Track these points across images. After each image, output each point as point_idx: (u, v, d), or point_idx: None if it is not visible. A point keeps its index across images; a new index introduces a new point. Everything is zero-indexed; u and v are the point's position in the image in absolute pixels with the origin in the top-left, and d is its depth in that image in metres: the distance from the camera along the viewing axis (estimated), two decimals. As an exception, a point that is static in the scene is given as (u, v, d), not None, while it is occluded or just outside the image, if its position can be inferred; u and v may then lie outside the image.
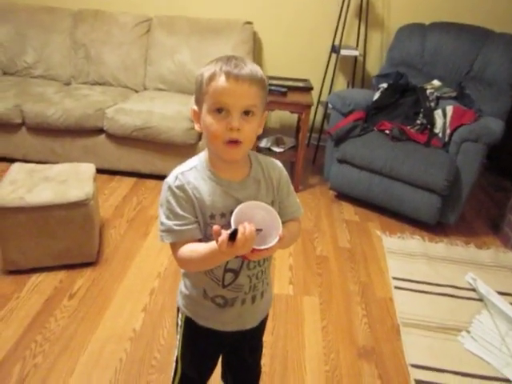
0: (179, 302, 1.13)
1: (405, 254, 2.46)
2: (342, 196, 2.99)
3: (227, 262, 0.98)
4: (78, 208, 2.02)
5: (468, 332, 1.93)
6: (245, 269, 1.00)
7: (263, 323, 1.19)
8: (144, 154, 2.96)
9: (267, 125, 3.76)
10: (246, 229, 0.81)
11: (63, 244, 2.05)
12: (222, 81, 0.87)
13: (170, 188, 0.94)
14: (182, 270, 1.08)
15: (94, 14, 3.37)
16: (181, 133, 2.82)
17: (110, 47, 3.34)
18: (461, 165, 2.53)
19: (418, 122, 2.79)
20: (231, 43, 3.27)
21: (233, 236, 0.81)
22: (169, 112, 2.88)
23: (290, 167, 3.25)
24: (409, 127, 2.78)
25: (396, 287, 2.18)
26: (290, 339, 1.83)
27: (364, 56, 3.44)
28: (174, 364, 1.22)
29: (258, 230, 0.84)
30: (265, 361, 1.71)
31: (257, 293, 1.06)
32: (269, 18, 3.47)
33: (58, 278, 2.05)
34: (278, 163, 1.06)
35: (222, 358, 1.27)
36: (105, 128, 2.90)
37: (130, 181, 3.00)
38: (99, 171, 2.73)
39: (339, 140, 2.80)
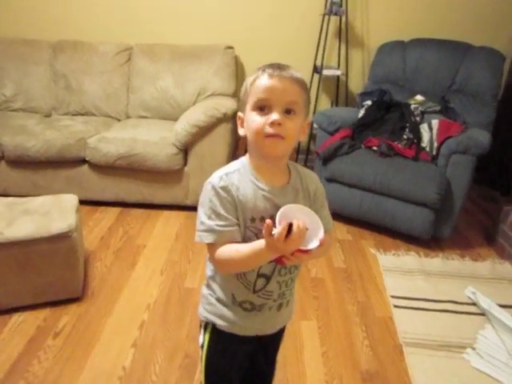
0: (201, 310, 1.11)
1: (401, 271, 2.40)
2: (334, 215, 2.90)
3: (260, 267, 0.98)
4: (61, 241, 1.93)
5: (473, 349, 1.86)
6: (276, 275, 1.01)
7: (281, 333, 1.20)
8: (129, 183, 2.88)
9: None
10: (299, 224, 0.83)
11: (46, 279, 1.95)
12: (264, 79, 0.91)
13: (213, 188, 0.94)
14: (209, 273, 1.07)
15: (74, 45, 3.34)
16: (166, 159, 2.76)
17: (90, 77, 3.30)
18: (451, 177, 2.51)
19: (405, 136, 2.78)
20: (213, 67, 3.26)
21: (288, 230, 0.82)
22: (153, 138, 2.83)
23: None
24: (396, 142, 2.76)
25: (395, 306, 2.11)
26: (289, 367, 1.74)
27: (346, 75, 3.45)
28: None
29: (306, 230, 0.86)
30: (264, 392, 1.61)
31: (283, 301, 1.06)
32: (249, 41, 3.48)
33: (42, 317, 1.94)
34: (315, 176, 1.08)
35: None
36: (87, 158, 2.83)
37: (115, 211, 2.91)
38: (83, 202, 2.66)
39: (327, 159, 2.76)
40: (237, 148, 3.03)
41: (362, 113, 2.95)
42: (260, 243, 0.88)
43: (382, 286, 2.27)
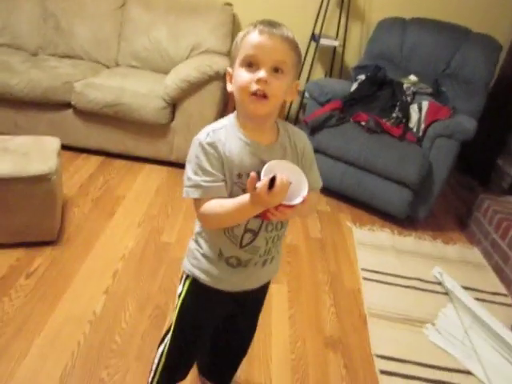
0: (186, 263, 1.12)
1: (374, 246, 2.46)
2: (315, 186, 2.96)
3: (247, 222, 0.99)
4: (40, 183, 1.91)
5: (433, 324, 1.94)
6: (263, 231, 1.01)
7: (265, 289, 1.21)
8: (113, 133, 2.84)
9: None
10: (282, 178, 0.84)
11: (22, 220, 1.94)
12: (255, 35, 0.90)
13: (200, 144, 0.94)
14: (197, 229, 1.08)
15: (67, -17, 3.20)
16: (153, 111, 2.72)
17: (81, 19, 3.18)
18: (434, 160, 2.55)
19: (394, 115, 2.79)
20: (210, 24, 3.18)
21: (271, 183, 0.83)
22: (141, 89, 2.77)
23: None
24: (384, 120, 2.77)
25: (364, 278, 2.18)
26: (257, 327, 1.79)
27: (343, 47, 3.42)
28: (162, 344, 1.21)
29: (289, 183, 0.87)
30: (230, 348, 1.67)
31: (268, 257, 1.07)
32: (249, 0, 3.38)
33: (15, 256, 1.93)
34: (304, 135, 1.08)
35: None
36: (73, 102, 2.76)
37: (97, 159, 2.88)
38: (65, 148, 2.62)
39: (315, 129, 2.76)
40: (226, 109, 3.00)
41: (354, 86, 2.93)
42: (244, 197, 0.89)
43: (354, 259, 2.33)
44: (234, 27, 3.35)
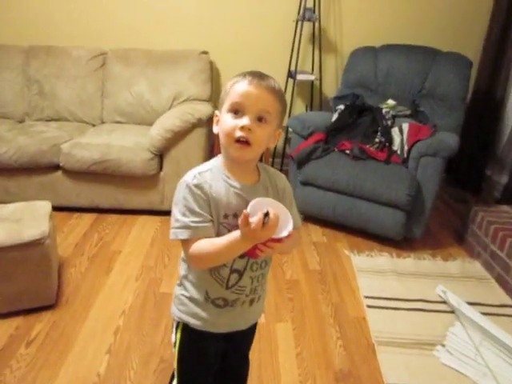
0: (174, 310, 1.13)
1: (374, 271, 2.45)
2: (309, 218, 2.97)
3: (233, 262, 1.01)
4: (34, 248, 1.91)
5: (443, 346, 1.91)
6: (248, 270, 1.04)
7: (253, 329, 1.22)
8: (104, 189, 2.87)
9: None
10: (273, 212, 0.88)
11: (19, 287, 1.93)
12: (243, 84, 0.96)
13: (187, 186, 0.98)
14: (183, 273, 1.10)
15: (47, 50, 3.31)
16: (141, 164, 2.76)
17: (64, 82, 3.27)
18: (421, 179, 2.58)
19: (377, 140, 2.84)
20: (188, 72, 3.28)
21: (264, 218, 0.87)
22: (128, 143, 2.83)
23: (255, 192, 3.23)
24: (368, 146, 2.82)
25: (368, 306, 2.16)
26: (264, 369, 1.76)
27: (320, 80, 3.51)
28: None
29: None
30: (239, 394, 1.63)
31: (255, 296, 1.10)
32: (224, 47, 3.50)
33: (14, 325, 1.91)
34: (283, 175, 1.13)
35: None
36: (61, 164, 2.80)
37: (90, 217, 2.89)
38: (57, 209, 2.64)
39: (301, 162, 2.80)
40: (212, 152, 3.04)
41: (335, 117, 3.00)
42: (235, 234, 0.93)
43: (356, 287, 2.31)
44: (213, 73, 3.45)
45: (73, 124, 3.23)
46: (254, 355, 1.79)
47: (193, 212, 0.96)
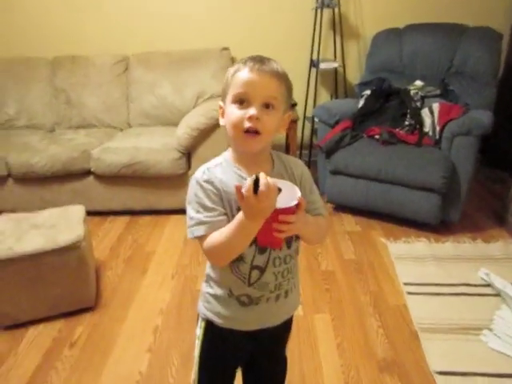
0: (200, 306, 1.11)
1: (412, 258, 2.38)
2: (341, 208, 2.93)
3: (253, 258, 0.98)
4: (70, 252, 1.95)
5: (490, 330, 1.83)
6: (271, 266, 1.00)
7: (286, 328, 1.17)
8: (135, 191, 2.90)
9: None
10: (266, 179, 0.81)
11: (58, 291, 1.97)
12: (245, 72, 0.92)
13: (198, 182, 0.96)
14: (207, 271, 1.07)
15: (71, 60, 3.38)
16: (169, 164, 2.77)
17: (90, 89, 3.33)
18: (455, 160, 2.49)
19: (407, 123, 2.76)
20: (210, 70, 3.27)
21: (256, 186, 0.80)
22: (155, 145, 2.85)
23: (285, 186, 3.20)
24: (398, 129, 2.75)
25: (408, 293, 2.09)
26: (305, 361, 1.74)
27: (343, 66, 3.44)
28: None
29: (279, 189, 0.84)
30: (281, 388, 1.61)
31: (281, 291, 1.05)
32: (244, 41, 3.48)
33: (57, 328, 1.96)
34: (300, 162, 1.08)
35: (242, 375, 1.23)
36: (92, 169, 2.85)
37: (123, 220, 2.93)
38: (91, 214, 2.68)
39: (330, 151, 2.75)
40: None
41: (361, 103, 2.93)
42: (239, 216, 0.87)
43: (394, 275, 2.25)
44: (234, 69, 3.43)
45: (101, 130, 3.28)
46: (293, 348, 1.79)
47: (206, 208, 0.94)
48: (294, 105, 3.10)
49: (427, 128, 2.72)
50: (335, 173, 2.78)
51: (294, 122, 2.85)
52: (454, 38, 3.05)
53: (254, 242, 0.94)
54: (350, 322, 1.94)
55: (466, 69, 2.97)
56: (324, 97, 3.60)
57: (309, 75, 3.44)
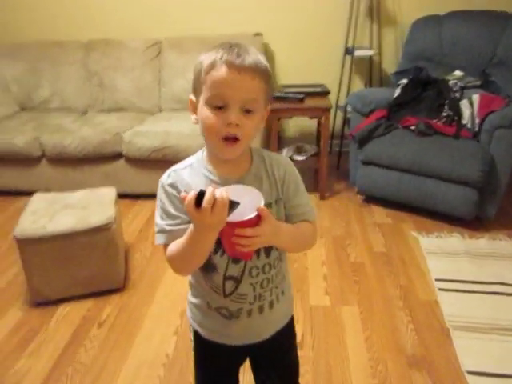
0: (187, 312, 1.06)
1: (445, 253, 2.31)
2: (371, 199, 2.86)
3: (226, 269, 0.91)
4: (101, 233, 1.97)
5: (526, 331, 1.77)
6: (247, 276, 0.92)
7: (282, 336, 1.05)
8: (164, 175, 2.91)
9: (286, 134, 3.69)
10: (216, 191, 0.73)
11: (89, 271, 2.00)
12: (222, 71, 0.80)
13: (162, 186, 0.90)
14: (189, 277, 1.01)
15: (104, 43, 3.40)
16: (199, 149, 2.76)
17: (122, 73, 3.35)
18: (495, 153, 2.39)
19: (444, 114, 2.66)
20: (242, 56, 3.23)
21: (201, 199, 0.72)
22: (185, 130, 2.84)
23: (314, 174, 3.16)
24: (435, 120, 2.66)
25: (440, 289, 2.04)
26: (332, 353, 1.71)
27: (379, 54, 3.35)
28: None
29: (236, 203, 0.75)
30: (308, 378, 1.60)
31: (264, 302, 0.97)
32: (278, 27, 3.42)
33: (86, 307, 1.99)
34: (285, 160, 0.98)
35: (254, 377, 1.17)
36: (123, 152, 2.88)
37: (152, 203, 2.91)
38: (121, 196, 2.70)
39: (363, 141, 2.69)
40: (270, 134, 2.99)
41: (397, 92, 2.84)
42: (191, 227, 0.80)
43: (426, 269, 2.19)
44: (267, 55, 3.39)
45: (132, 113, 3.30)
46: (320, 340, 1.78)
47: (169, 215, 0.88)
48: (327, 92, 3.03)
49: (465, 120, 2.61)
50: (367, 163, 2.72)
51: (326, 110, 2.79)
52: (497, 26, 2.91)
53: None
54: (379, 315, 1.90)
55: (510, 60, 2.83)
56: (358, 85, 3.51)
57: (343, 63, 3.36)
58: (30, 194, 2.88)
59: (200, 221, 0.75)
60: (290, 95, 2.88)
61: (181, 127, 2.89)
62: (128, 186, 2.95)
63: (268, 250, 0.93)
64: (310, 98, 2.93)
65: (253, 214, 0.77)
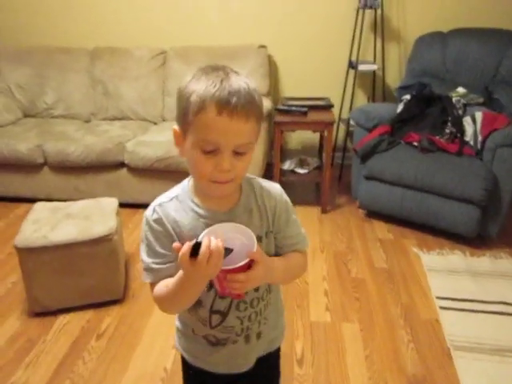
0: (175, 338, 1.04)
1: (447, 270, 2.30)
2: (373, 214, 2.86)
3: (212, 303, 0.89)
4: (102, 243, 1.96)
5: (528, 353, 1.75)
6: (234, 310, 0.90)
7: (267, 366, 1.04)
8: (166, 185, 2.83)
9: (289, 146, 3.69)
10: (211, 242, 0.71)
11: (89, 282, 1.99)
12: (212, 115, 0.73)
13: (147, 222, 0.86)
14: None
15: (110, 51, 3.41)
16: (202, 160, 2.76)
17: (127, 82, 3.36)
18: (498, 172, 2.39)
19: (447, 131, 2.67)
20: (247, 68, 3.25)
21: (196, 250, 0.70)
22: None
23: (316, 188, 3.16)
24: (438, 137, 2.66)
25: (441, 307, 2.03)
26: (332, 371, 1.70)
27: (383, 69, 3.36)
28: None
29: (228, 250, 0.73)
30: (307, 397, 1.58)
31: (250, 332, 0.95)
32: (282, 40, 3.44)
33: (86, 318, 1.98)
34: (276, 190, 0.93)
35: None
36: (126, 161, 2.87)
37: (153, 213, 2.94)
38: (123, 205, 2.69)
39: (365, 156, 2.69)
40: (272, 146, 3.00)
41: (400, 108, 2.85)
42: (181, 273, 0.77)
43: (427, 287, 2.18)
44: (271, 67, 3.41)
45: (136, 122, 3.31)
46: (320, 356, 1.76)
47: (155, 252, 0.85)
48: (330, 106, 3.04)
49: (468, 137, 2.62)
50: (369, 178, 2.72)
51: (330, 124, 2.79)
52: (501, 44, 2.93)
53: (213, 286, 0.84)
54: (380, 333, 1.89)
55: (513, 77, 2.85)
56: (361, 99, 3.53)
57: (346, 76, 3.37)
58: (31, 201, 2.87)
59: (192, 272, 0.72)
60: (294, 108, 2.89)
61: (184, 138, 2.89)
62: (130, 195, 2.94)
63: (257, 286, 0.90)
64: (313, 111, 2.94)
65: (245, 261, 0.75)
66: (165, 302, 0.85)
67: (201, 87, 0.74)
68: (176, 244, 0.73)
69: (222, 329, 0.92)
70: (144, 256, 0.87)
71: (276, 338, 1.05)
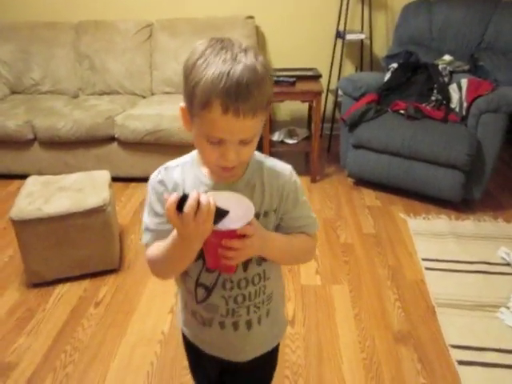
0: (177, 313, 1.10)
1: (432, 234, 2.38)
2: (361, 182, 2.92)
3: (199, 275, 0.88)
4: (96, 215, 2.00)
5: (507, 308, 1.84)
6: (219, 288, 0.88)
7: (261, 367, 1.04)
8: (157, 159, 2.91)
9: (278, 117, 3.71)
10: (201, 196, 0.66)
11: (84, 252, 2.04)
12: (217, 114, 0.70)
13: (151, 183, 0.87)
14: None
15: (95, 25, 3.37)
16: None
17: (113, 56, 3.33)
18: (482, 137, 2.45)
19: (433, 98, 2.71)
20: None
21: (182, 205, 0.66)
22: (178, 113, 2.85)
23: (305, 158, 3.20)
24: (424, 104, 2.70)
25: (427, 268, 2.11)
26: (322, 330, 1.78)
27: (370, 39, 3.37)
28: None
29: (224, 212, 0.70)
30: (299, 353, 1.67)
31: (239, 319, 0.92)
32: (269, 10, 3.42)
33: (83, 287, 2.03)
34: (286, 169, 0.90)
35: None
36: (116, 135, 2.89)
37: (145, 186, 2.95)
38: (114, 179, 2.70)
39: (353, 125, 2.73)
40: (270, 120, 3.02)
41: (387, 76, 2.88)
42: (174, 232, 0.75)
43: (413, 250, 2.26)
44: (258, 38, 3.40)
45: (124, 97, 3.30)
46: (311, 317, 1.84)
47: (155, 213, 0.85)
48: (318, 76, 3.05)
49: (454, 104, 2.67)
50: (357, 147, 2.76)
51: (318, 94, 2.82)
52: (486, 11, 2.95)
53: (203, 257, 0.81)
54: (368, 293, 1.97)
55: (498, 44, 2.89)
56: (349, 69, 3.54)
57: (334, 47, 3.38)
58: (22, 177, 2.89)
59: (181, 228, 0.69)
60: (282, 79, 2.90)
61: (174, 110, 2.90)
62: (121, 169, 2.97)
63: (246, 264, 0.87)
64: (301, 81, 2.95)
65: (239, 224, 0.71)
66: (156, 264, 0.84)
67: (207, 77, 0.69)
68: (166, 195, 0.69)
69: (206, 306, 0.91)
70: (145, 216, 0.87)
71: (273, 336, 1.02)
